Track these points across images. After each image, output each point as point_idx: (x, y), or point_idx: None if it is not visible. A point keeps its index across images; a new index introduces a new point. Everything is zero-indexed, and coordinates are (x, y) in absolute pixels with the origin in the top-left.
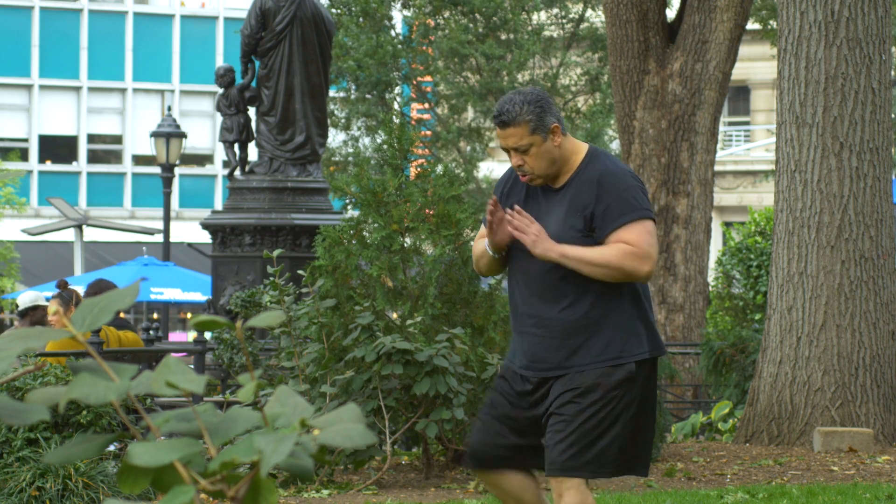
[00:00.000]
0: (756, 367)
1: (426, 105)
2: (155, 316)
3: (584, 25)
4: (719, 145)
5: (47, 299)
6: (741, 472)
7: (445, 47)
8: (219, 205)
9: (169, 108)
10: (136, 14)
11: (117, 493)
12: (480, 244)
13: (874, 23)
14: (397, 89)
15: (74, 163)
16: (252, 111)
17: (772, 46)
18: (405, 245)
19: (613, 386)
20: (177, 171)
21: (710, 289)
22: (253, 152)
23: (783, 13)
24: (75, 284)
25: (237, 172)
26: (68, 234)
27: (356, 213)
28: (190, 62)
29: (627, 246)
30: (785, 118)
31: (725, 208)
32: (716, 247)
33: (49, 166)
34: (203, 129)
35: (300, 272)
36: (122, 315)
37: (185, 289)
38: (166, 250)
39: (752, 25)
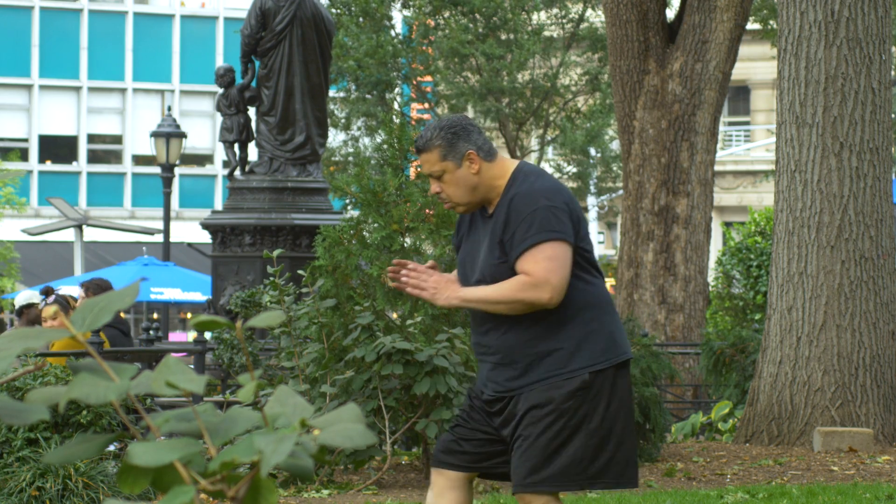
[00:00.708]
0: (756, 367)
1: (426, 105)
2: (155, 316)
3: (584, 25)
4: (719, 145)
5: (44, 298)
6: (741, 472)
7: (445, 47)
8: (219, 205)
9: (169, 108)
10: (136, 14)
11: (117, 493)
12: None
13: (874, 23)
14: (397, 89)
15: (74, 163)
16: (252, 111)
17: (772, 46)
18: (405, 245)
19: (565, 398)
20: (177, 171)
21: (710, 289)
22: (253, 152)
23: (783, 13)
24: (75, 284)
25: (237, 172)
26: (68, 234)
27: (356, 213)
28: (190, 62)
29: (524, 276)
30: (785, 118)
31: (725, 208)
32: (716, 247)
33: (49, 166)
34: (203, 129)
35: (300, 272)
36: (122, 315)
37: (185, 289)
38: (166, 250)
39: (752, 25)
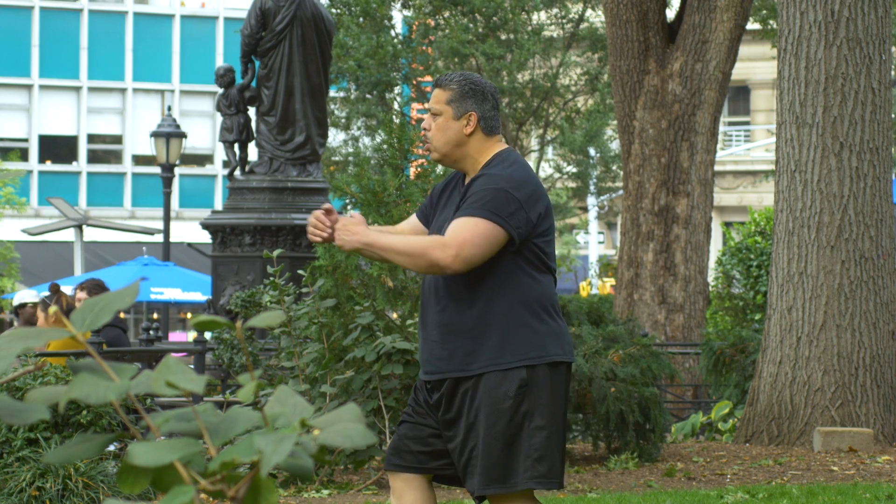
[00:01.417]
0: (756, 367)
1: (426, 105)
2: (155, 316)
3: (584, 25)
4: (719, 145)
5: (43, 297)
6: (741, 472)
7: (445, 47)
8: (219, 205)
9: (169, 108)
10: (136, 14)
11: (117, 493)
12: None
13: (874, 23)
14: (397, 89)
15: (74, 163)
16: (252, 111)
17: (772, 46)
18: None
19: (503, 398)
20: (177, 171)
21: (710, 289)
22: (253, 152)
23: (783, 13)
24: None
25: (237, 172)
26: (68, 234)
27: (356, 213)
28: (190, 62)
29: (440, 236)
30: (785, 118)
31: (725, 208)
32: (716, 247)
33: (49, 166)
34: (203, 129)
35: (300, 272)
36: (121, 315)
37: (185, 289)
38: (166, 250)
39: (752, 25)
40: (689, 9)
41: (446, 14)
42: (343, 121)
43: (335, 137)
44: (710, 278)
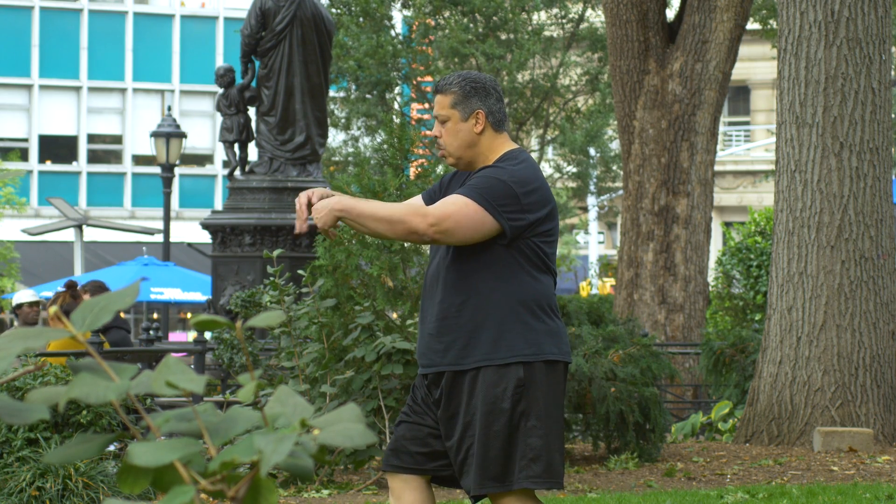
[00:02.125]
0: (756, 367)
1: (426, 105)
2: (155, 316)
3: (584, 25)
4: (719, 145)
5: (45, 298)
6: (741, 472)
7: (445, 47)
8: (219, 205)
9: (169, 108)
10: (136, 14)
11: (117, 493)
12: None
13: (874, 23)
14: (397, 89)
15: (74, 163)
16: (252, 111)
17: (772, 47)
18: (405, 245)
19: (500, 396)
20: (177, 171)
21: (710, 289)
22: (253, 152)
23: (783, 13)
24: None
25: (237, 172)
26: (68, 234)
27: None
28: (190, 62)
29: (421, 205)
30: (785, 118)
31: (725, 208)
32: (716, 247)
33: (49, 166)
34: (203, 129)
35: (300, 272)
36: (122, 315)
37: (185, 289)
38: (166, 250)
39: (752, 25)
40: (689, 9)
41: (446, 14)
42: (343, 121)
43: (335, 137)
44: (710, 278)
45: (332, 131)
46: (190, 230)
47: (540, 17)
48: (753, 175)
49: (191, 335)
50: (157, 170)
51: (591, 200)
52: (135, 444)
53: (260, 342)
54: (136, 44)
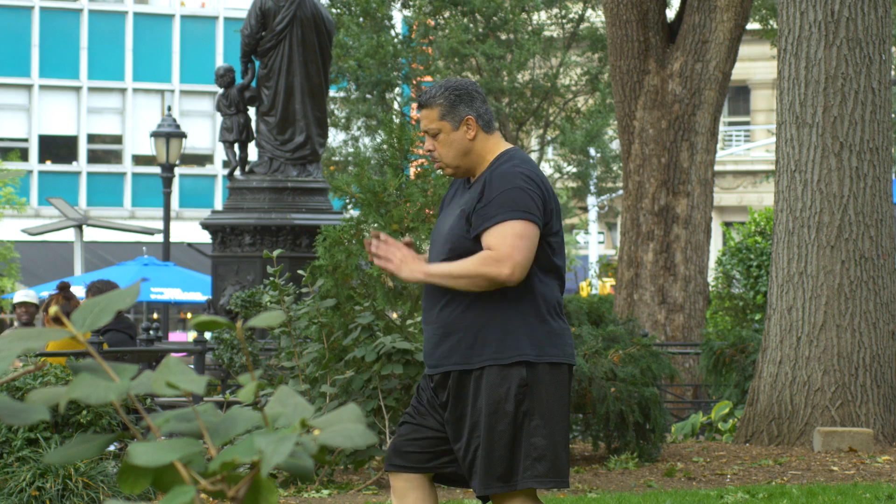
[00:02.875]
0: (756, 367)
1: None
2: (155, 316)
3: (584, 25)
4: (719, 145)
5: (40, 297)
6: (741, 472)
7: (445, 47)
8: (219, 205)
9: (169, 108)
10: (136, 14)
11: (117, 493)
12: None
13: (874, 23)
14: (397, 89)
15: (74, 163)
16: (252, 111)
17: (772, 46)
18: None
19: (504, 397)
20: (177, 171)
21: (710, 289)
22: (253, 152)
23: (783, 13)
24: (76, 284)
25: (237, 172)
26: (68, 234)
27: (356, 213)
28: (190, 62)
29: (487, 251)
30: (785, 118)
31: (725, 208)
32: (716, 247)
33: (49, 166)
34: (203, 129)
35: (300, 272)
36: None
37: (185, 289)
38: (166, 250)
39: (752, 25)
40: (689, 9)
41: (446, 14)
42: (343, 121)
43: (335, 137)
44: (710, 278)
45: (332, 131)
46: (190, 230)
47: (540, 17)
48: (753, 175)
49: (191, 335)
50: (157, 170)
51: (591, 200)
52: (135, 444)
53: (260, 342)
54: (136, 44)
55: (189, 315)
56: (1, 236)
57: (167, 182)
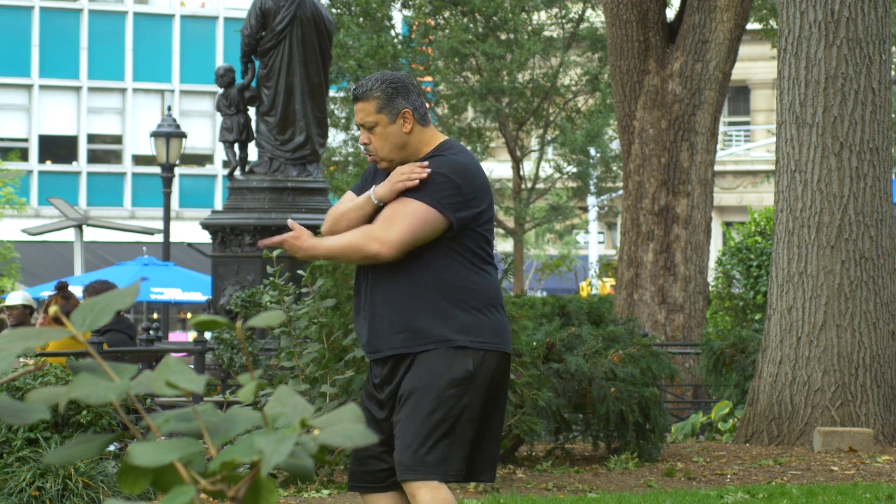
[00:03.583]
0: (756, 367)
1: (427, 105)
2: (155, 316)
3: (584, 25)
4: (719, 145)
5: (36, 298)
6: (741, 472)
7: (445, 47)
8: (219, 205)
9: (169, 108)
10: (136, 14)
11: (117, 493)
12: (354, 197)
13: (874, 23)
14: None
15: (74, 163)
16: (252, 111)
17: (772, 47)
18: None
19: (448, 385)
20: (177, 171)
21: (710, 289)
22: (253, 152)
23: (783, 13)
24: (75, 284)
25: (237, 172)
26: (68, 234)
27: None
28: (190, 62)
29: (368, 226)
30: (785, 118)
31: (725, 208)
32: (716, 247)
33: (49, 166)
34: (203, 129)
35: (300, 272)
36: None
37: (185, 289)
38: (166, 250)
39: (752, 25)
40: (689, 9)
41: (446, 14)
42: (343, 121)
43: (335, 137)
44: (710, 278)
45: (332, 131)
46: (190, 230)
47: (540, 17)
48: (753, 175)
49: (191, 335)
50: (157, 170)
51: (591, 200)
52: (135, 444)
53: (260, 342)
54: (136, 44)
55: (189, 315)
56: (1, 236)
57: (167, 182)
